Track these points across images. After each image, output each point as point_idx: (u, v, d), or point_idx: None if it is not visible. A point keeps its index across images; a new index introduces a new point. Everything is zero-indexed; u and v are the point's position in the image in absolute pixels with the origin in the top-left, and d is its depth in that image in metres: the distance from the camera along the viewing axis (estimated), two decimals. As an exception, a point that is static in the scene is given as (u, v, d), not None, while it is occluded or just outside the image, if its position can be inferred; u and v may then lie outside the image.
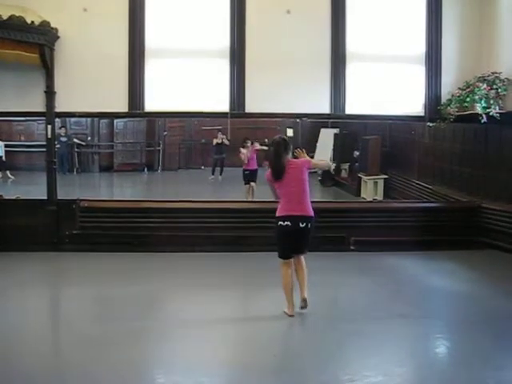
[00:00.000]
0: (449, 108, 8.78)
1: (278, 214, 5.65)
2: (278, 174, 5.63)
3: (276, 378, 4.42)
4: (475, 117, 8.41)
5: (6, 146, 17.30)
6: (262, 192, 11.83)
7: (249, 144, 12.26)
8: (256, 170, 12.21)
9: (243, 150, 12.18)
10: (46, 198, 8.54)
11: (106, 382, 4.31)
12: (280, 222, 5.60)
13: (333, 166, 5.59)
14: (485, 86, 8.33)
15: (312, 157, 18.15)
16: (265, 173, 5.93)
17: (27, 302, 6.20)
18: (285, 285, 5.70)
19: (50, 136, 8.55)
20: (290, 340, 5.26)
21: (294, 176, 5.63)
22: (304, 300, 5.64)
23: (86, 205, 8.59)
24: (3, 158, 16.98)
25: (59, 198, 8.66)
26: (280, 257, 5.71)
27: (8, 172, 16.83)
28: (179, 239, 8.41)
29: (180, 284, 6.89)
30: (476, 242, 8.77)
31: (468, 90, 8.55)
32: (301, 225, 5.58)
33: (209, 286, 6.72)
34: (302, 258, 5.78)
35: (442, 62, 8.97)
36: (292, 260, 5.75)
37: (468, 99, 8.46)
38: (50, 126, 8.51)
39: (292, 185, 5.62)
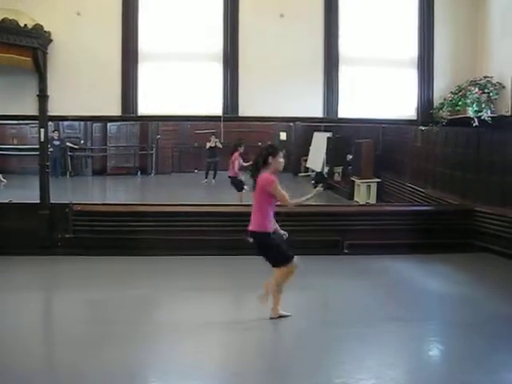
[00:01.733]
0: (441, 112, 8.83)
1: None
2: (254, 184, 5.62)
3: (269, 380, 4.42)
4: (467, 120, 8.46)
5: (-1, 149, 17.26)
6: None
7: (242, 149, 12.08)
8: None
9: (241, 162, 11.86)
10: (38, 201, 8.51)
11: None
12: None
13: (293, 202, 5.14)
14: (477, 90, 8.39)
15: (305, 160, 18.27)
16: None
17: (19, 305, 6.15)
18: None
19: (42, 139, 8.53)
20: (283, 343, 5.27)
21: (256, 191, 5.59)
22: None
23: (78, 208, 8.57)
24: None
25: (52, 201, 8.63)
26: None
27: (0, 175, 16.76)
28: (173, 243, 8.39)
29: (173, 287, 6.88)
30: (468, 245, 8.81)
31: (460, 93, 8.60)
32: (249, 239, 5.65)
33: (202, 289, 6.71)
34: (275, 270, 5.62)
35: (434, 65, 9.03)
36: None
37: (460, 103, 8.51)
38: (42, 130, 8.49)
39: (254, 198, 5.62)
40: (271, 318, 5.61)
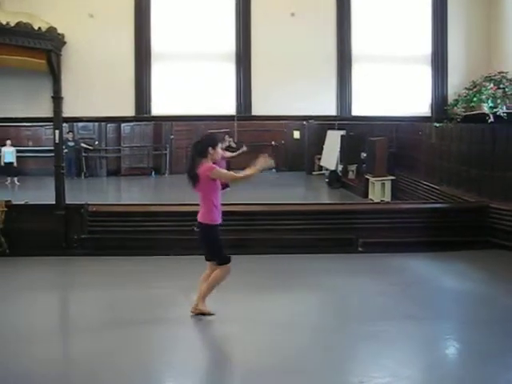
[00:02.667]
0: (455, 108, 8.77)
1: None
2: (191, 180, 5.49)
3: (285, 379, 4.41)
4: (482, 117, 8.39)
5: (13, 151, 17.44)
6: (265, 195, 11.89)
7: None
8: None
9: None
10: (54, 202, 8.59)
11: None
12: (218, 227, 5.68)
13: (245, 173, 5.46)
14: (491, 85, 8.31)
15: (319, 159, 18.22)
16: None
17: (36, 305, 6.21)
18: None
19: (57, 141, 8.61)
20: (298, 341, 5.25)
21: (200, 181, 5.46)
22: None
23: (94, 209, 8.63)
24: (14, 164, 17.14)
25: (67, 202, 8.70)
26: (228, 260, 5.71)
27: (15, 179, 16.96)
28: (187, 242, 8.40)
29: (189, 287, 6.88)
30: (484, 243, 8.73)
31: (475, 89, 8.54)
32: (196, 228, 5.63)
33: (216, 288, 6.72)
34: (218, 269, 5.62)
35: (448, 62, 8.97)
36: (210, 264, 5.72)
37: (475, 99, 8.44)
38: (57, 131, 8.57)
39: (199, 189, 5.52)
40: (191, 313, 5.65)
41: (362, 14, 8.92)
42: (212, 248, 5.63)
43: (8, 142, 17.20)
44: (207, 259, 5.73)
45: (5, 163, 17.05)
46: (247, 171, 5.47)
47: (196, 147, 5.56)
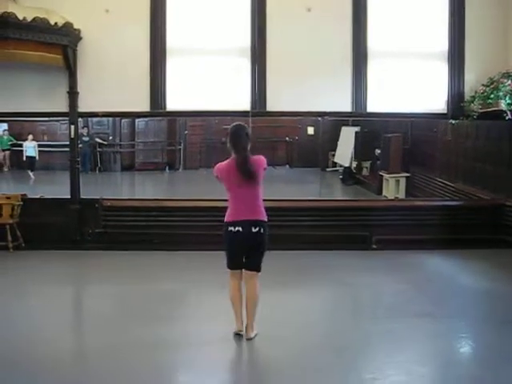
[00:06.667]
0: (472, 105, 8.68)
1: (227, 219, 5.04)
2: (246, 173, 4.93)
3: (299, 376, 4.40)
4: (499, 114, 8.30)
5: (29, 145, 17.64)
6: (279, 191, 11.85)
7: None
8: None
9: None
10: (69, 196, 8.64)
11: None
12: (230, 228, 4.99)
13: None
14: (509, 82, 8.22)
15: (333, 155, 18.14)
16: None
17: (49, 299, 6.24)
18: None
19: (73, 136, 8.65)
20: (312, 338, 5.24)
21: (241, 178, 5.06)
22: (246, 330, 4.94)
23: (108, 204, 8.67)
24: (37, 158, 17.36)
25: (82, 196, 8.76)
26: (228, 267, 5.14)
27: (31, 173, 17.13)
28: (201, 238, 8.43)
29: (202, 282, 6.89)
30: (500, 241, 8.64)
31: (492, 86, 8.44)
32: (253, 229, 5.00)
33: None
34: (255, 278, 5.02)
35: (464, 58, 8.88)
36: (240, 272, 5.09)
37: (492, 96, 8.35)
38: (73, 126, 8.62)
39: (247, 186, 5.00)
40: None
41: (378, 10, 8.86)
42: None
43: (30, 136, 17.52)
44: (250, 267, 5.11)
45: (27, 157, 17.28)
46: None
47: (242, 133, 5.12)
